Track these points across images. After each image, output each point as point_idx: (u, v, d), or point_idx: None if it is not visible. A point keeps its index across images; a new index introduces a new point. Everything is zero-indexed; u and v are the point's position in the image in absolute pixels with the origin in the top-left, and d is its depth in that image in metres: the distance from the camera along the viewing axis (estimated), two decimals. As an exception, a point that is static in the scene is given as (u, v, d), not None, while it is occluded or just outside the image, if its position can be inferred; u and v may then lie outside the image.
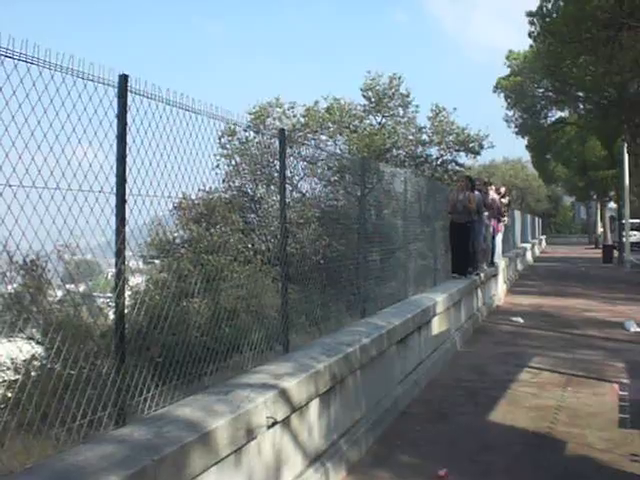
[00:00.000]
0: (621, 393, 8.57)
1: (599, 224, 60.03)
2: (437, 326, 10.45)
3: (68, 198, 3.75)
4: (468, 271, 13.97)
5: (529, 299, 19.32)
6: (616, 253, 35.86)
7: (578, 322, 14.89)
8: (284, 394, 4.90)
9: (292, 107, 28.14)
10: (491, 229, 16.72)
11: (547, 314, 16.33)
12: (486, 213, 15.43)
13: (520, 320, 15.16)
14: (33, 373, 5.38)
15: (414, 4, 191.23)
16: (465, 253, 13.68)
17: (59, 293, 5.39)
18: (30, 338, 6.33)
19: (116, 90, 4.12)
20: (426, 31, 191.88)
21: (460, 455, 6.54)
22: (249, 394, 4.61)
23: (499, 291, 19.18)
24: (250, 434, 4.38)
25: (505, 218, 19.58)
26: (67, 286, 5.00)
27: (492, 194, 16.85)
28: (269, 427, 4.67)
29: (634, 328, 13.52)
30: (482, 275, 15.16)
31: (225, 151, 17.13)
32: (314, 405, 5.59)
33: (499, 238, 18.36)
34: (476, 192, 14.54)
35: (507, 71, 36.95)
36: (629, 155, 27.80)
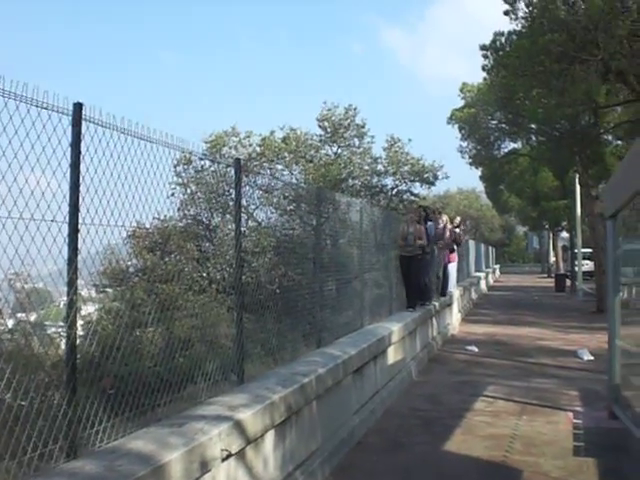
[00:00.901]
0: (575, 421, 8.64)
1: (552, 253, 61.01)
2: (393, 355, 10.45)
3: (20, 227, 3.70)
4: (422, 304, 13.95)
5: (483, 328, 19.49)
6: (568, 282, 36.47)
7: (532, 351, 15.04)
8: (239, 426, 4.85)
9: (248, 136, 28.36)
10: (441, 259, 16.73)
11: (501, 343, 16.48)
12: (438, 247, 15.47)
13: (475, 349, 15.26)
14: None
15: (369, 35, 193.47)
16: (417, 286, 13.66)
17: (9, 322, 5.28)
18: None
19: (70, 118, 4.09)
20: (381, 62, 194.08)
21: (416, 485, 6.53)
22: (203, 426, 4.56)
23: (454, 320, 19.31)
24: (204, 467, 4.31)
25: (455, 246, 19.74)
26: (18, 315, 4.91)
27: (443, 223, 16.82)
28: (224, 460, 4.61)
29: (587, 356, 13.69)
30: (436, 305, 15.24)
31: (180, 179, 17.09)
32: (269, 436, 5.54)
33: (454, 267, 18.47)
34: (429, 222, 14.64)
35: (461, 103, 37.40)
36: (581, 186, 28.25)
